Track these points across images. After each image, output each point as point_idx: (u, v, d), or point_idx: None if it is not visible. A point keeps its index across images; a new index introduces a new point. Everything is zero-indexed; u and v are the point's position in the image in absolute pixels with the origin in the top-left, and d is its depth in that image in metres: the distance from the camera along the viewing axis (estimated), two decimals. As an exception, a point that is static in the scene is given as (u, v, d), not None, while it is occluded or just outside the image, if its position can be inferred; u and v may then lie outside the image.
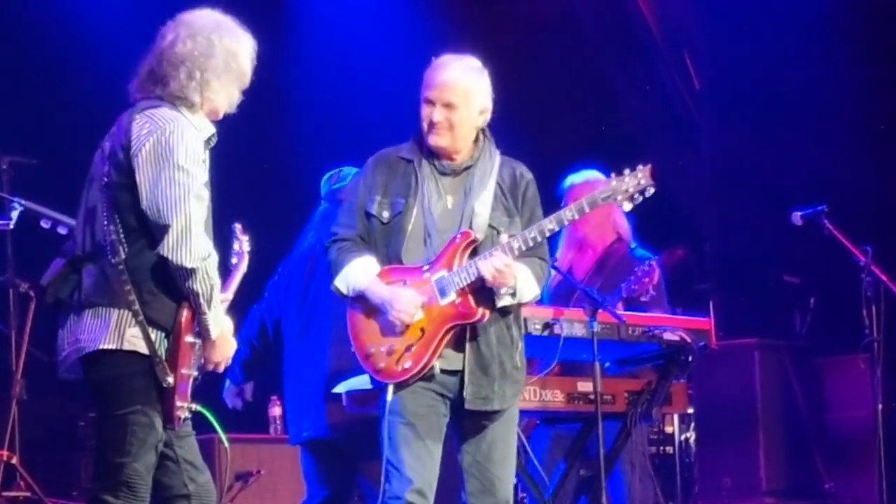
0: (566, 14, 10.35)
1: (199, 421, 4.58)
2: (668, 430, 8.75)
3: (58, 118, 8.80)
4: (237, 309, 4.85)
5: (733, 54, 9.84)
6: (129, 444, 4.36)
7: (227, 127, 4.61)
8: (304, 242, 6.41)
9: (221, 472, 6.19)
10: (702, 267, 9.92)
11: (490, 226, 5.10)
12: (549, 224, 5.07)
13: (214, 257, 4.41)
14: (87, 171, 4.60)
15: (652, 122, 10.62)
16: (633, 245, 6.83)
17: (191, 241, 4.32)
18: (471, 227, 5.07)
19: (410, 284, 5.07)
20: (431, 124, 5.12)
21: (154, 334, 4.38)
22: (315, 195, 6.48)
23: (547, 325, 5.89)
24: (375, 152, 5.30)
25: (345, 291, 5.14)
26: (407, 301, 5.03)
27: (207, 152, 4.48)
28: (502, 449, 5.15)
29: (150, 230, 4.36)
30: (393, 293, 5.05)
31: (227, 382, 6.50)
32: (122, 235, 4.38)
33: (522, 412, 5.51)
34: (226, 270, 4.62)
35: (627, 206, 5.04)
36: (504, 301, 5.05)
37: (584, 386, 6.12)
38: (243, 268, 4.79)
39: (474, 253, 5.06)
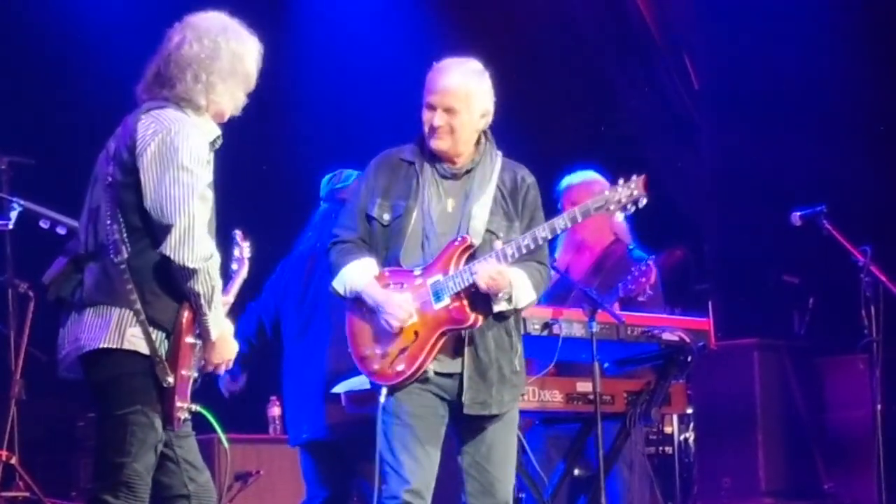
0: (566, 14, 10.34)
1: (198, 421, 4.58)
2: (668, 430, 8.74)
3: (57, 118, 8.80)
4: (237, 311, 4.85)
5: (732, 54, 9.83)
6: (128, 445, 4.36)
7: (227, 127, 4.61)
8: (304, 243, 6.41)
9: (221, 472, 6.18)
10: (701, 267, 9.91)
11: (488, 230, 5.10)
12: (542, 232, 5.08)
13: (216, 258, 4.41)
14: (86, 171, 4.60)
15: (651, 122, 10.61)
16: (630, 246, 6.84)
17: (193, 241, 4.32)
18: (468, 232, 5.08)
19: (407, 288, 5.07)
20: (433, 129, 5.13)
21: (155, 334, 4.38)
22: (315, 196, 6.48)
23: (546, 326, 5.89)
24: (375, 154, 5.30)
25: (342, 293, 5.15)
26: (398, 304, 5.04)
27: (212, 154, 4.49)
28: (502, 450, 5.15)
29: (153, 230, 4.36)
30: (386, 296, 5.06)
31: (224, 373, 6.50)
32: (125, 235, 4.38)
33: (521, 412, 5.51)
34: (226, 276, 4.61)
35: (620, 217, 5.10)
36: (500, 306, 5.06)
37: (584, 386, 6.12)
38: (244, 273, 4.80)
39: (472, 257, 5.07)
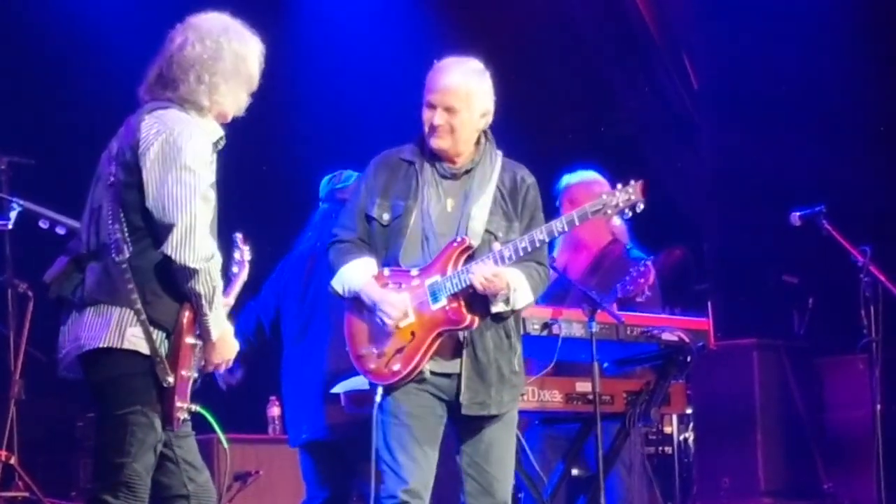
0: (565, 14, 10.34)
1: (198, 421, 4.58)
2: (667, 430, 8.74)
3: (56, 118, 8.80)
4: (236, 311, 4.85)
5: (732, 54, 9.83)
6: (128, 445, 4.36)
7: (227, 127, 4.61)
8: (304, 243, 6.41)
9: (220, 472, 6.18)
10: (700, 267, 9.91)
11: (487, 230, 5.10)
12: (540, 235, 5.08)
13: (218, 259, 4.42)
14: (86, 171, 4.61)
15: (651, 122, 10.61)
16: (628, 246, 6.84)
17: (195, 240, 4.32)
18: (467, 233, 5.08)
19: (405, 288, 5.08)
20: (433, 127, 5.13)
21: (155, 334, 4.38)
22: (315, 196, 6.48)
23: (545, 326, 5.90)
24: (375, 154, 5.30)
25: (341, 292, 5.16)
26: (392, 302, 5.04)
27: (215, 155, 4.50)
28: (500, 450, 5.15)
29: (155, 230, 4.37)
30: (382, 294, 5.07)
31: None
32: (126, 234, 4.38)
33: (521, 413, 5.52)
34: (227, 279, 4.61)
35: (617, 221, 5.11)
36: (498, 307, 5.06)
37: (583, 386, 6.13)
38: (244, 276, 4.81)
39: (471, 258, 5.07)
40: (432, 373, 5.07)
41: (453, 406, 5.08)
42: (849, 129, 9.33)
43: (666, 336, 6.17)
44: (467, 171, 5.18)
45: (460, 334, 5.06)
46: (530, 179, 5.24)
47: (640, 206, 5.13)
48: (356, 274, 5.11)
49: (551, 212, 5.24)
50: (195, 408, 4.50)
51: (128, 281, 4.36)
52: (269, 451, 8.12)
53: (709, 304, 6.61)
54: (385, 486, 5.05)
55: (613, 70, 10.58)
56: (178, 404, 4.42)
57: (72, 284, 4.46)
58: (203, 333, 4.46)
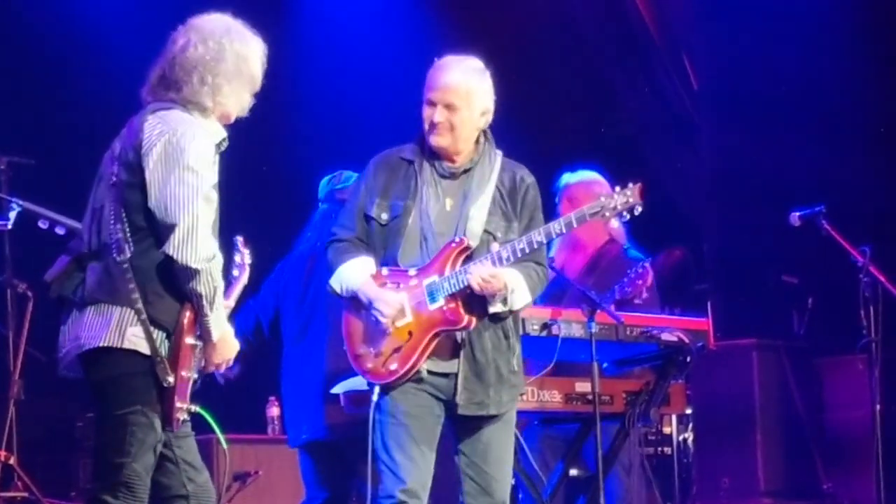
0: (566, 14, 10.34)
1: (197, 421, 4.58)
2: (666, 430, 8.73)
3: (56, 118, 8.80)
4: (235, 312, 4.86)
5: (732, 54, 9.82)
6: (128, 445, 4.36)
7: (228, 128, 4.61)
8: (304, 243, 6.41)
9: (220, 472, 6.19)
10: (700, 267, 9.90)
11: (486, 231, 5.11)
12: (538, 236, 5.08)
13: (219, 259, 4.42)
14: (85, 171, 4.61)
15: (651, 122, 10.61)
16: (626, 246, 6.84)
17: (196, 241, 4.33)
18: (465, 233, 5.08)
19: (403, 287, 5.08)
20: (433, 125, 5.13)
21: (156, 334, 4.39)
22: (315, 196, 6.48)
23: (545, 326, 5.90)
24: (375, 154, 5.30)
25: (339, 291, 5.17)
26: (387, 301, 5.05)
27: (217, 156, 4.50)
28: (499, 450, 5.15)
29: (157, 230, 4.37)
30: (377, 293, 5.07)
31: None
32: (128, 234, 4.39)
33: (520, 413, 5.52)
34: (227, 282, 4.62)
35: (615, 223, 5.11)
36: (496, 308, 5.06)
37: (583, 386, 6.13)
38: (244, 280, 4.82)
39: (469, 258, 5.07)
40: (430, 372, 5.07)
41: (451, 406, 5.08)
42: (849, 129, 9.32)
43: (665, 336, 6.17)
44: (466, 171, 5.18)
45: (458, 334, 5.06)
46: (530, 179, 5.24)
47: (638, 209, 5.14)
48: (354, 273, 5.12)
49: (551, 212, 5.24)
50: (195, 408, 4.50)
51: (129, 280, 4.37)
52: (268, 452, 8.12)
53: (708, 304, 6.62)
54: (383, 486, 5.05)
55: (614, 70, 10.58)
56: (178, 405, 4.42)
57: (73, 284, 4.46)
58: (204, 334, 4.47)
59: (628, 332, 6.12)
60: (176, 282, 4.38)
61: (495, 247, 5.06)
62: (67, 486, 8.25)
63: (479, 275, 4.98)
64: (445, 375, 5.08)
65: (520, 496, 6.23)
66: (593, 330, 5.88)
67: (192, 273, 4.34)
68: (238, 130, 4.69)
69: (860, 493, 8.19)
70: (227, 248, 4.66)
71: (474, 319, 5.04)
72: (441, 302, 5.05)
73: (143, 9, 8.47)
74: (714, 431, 8.82)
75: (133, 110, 4.54)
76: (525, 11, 10.22)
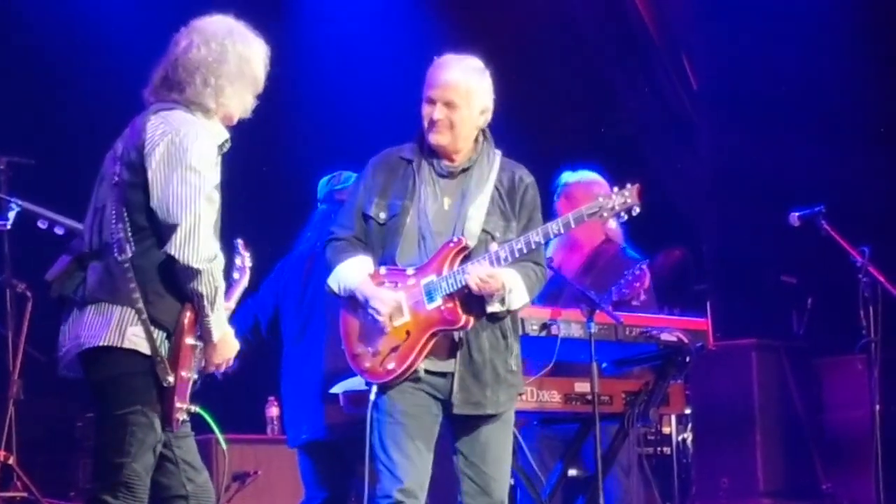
0: (566, 14, 10.34)
1: (197, 422, 4.59)
2: (666, 430, 8.73)
3: (56, 118, 8.80)
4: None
5: (732, 54, 9.82)
6: (128, 445, 4.36)
7: (228, 128, 4.62)
8: (303, 243, 6.41)
9: (219, 472, 6.20)
10: (699, 267, 9.90)
11: (484, 230, 5.11)
12: (536, 236, 5.08)
13: (220, 260, 4.43)
14: (85, 171, 4.62)
15: (650, 122, 10.61)
16: (623, 246, 6.84)
17: (198, 241, 4.33)
18: (463, 233, 5.08)
19: (401, 287, 5.08)
20: (432, 122, 5.14)
21: (156, 334, 4.39)
22: (315, 197, 6.48)
23: (544, 326, 5.90)
24: (375, 155, 5.31)
25: (337, 291, 5.17)
26: (383, 299, 5.05)
27: (220, 157, 4.50)
28: (497, 450, 5.15)
29: (158, 229, 4.38)
30: (374, 291, 5.07)
31: None
32: (129, 234, 4.39)
33: (519, 413, 5.52)
34: (228, 285, 4.62)
35: (613, 224, 5.11)
36: (493, 308, 5.07)
37: (582, 387, 6.13)
38: (244, 282, 4.82)
39: (468, 258, 5.07)
40: (427, 372, 5.07)
41: (448, 406, 5.08)
42: (849, 129, 9.32)
43: (665, 336, 6.17)
44: (465, 170, 5.18)
45: (455, 334, 5.06)
46: (529, 179, 5.25)
47: (636, 210, 5.14)
48: (352, 272, 5.12)
49: (551, 211, 5.24)
50: (194, 408, 4.50)
51: (129, 280, 4.37)
52: (267, 452, 8.12)
53: (708, 304, 6.61)
54: (380, 486, 5.05)
55: (614, 70, 10.58)
56: (178, 405, 4.42)
57: (73, 283, 4.47)
58: (204, 334, 4.47)
59: (627, 333, 6.13)
60: (177, 282, 4.39)
61: (493, 246, 5.07)
62: (67, 486, 8.25)
63: (476, 275, 4.99)
64: (443, 375, 5.08)
65: (518, 496, 6.23)
66: (592, 330, 5.88)
67: (193, 273, 4.35)
68: (238, 131, 4.69)
69: (859, 493, 8.19)
70: (228, 249, 4.66)
71: (472, 319, 5.04)
72: (439, 301, 5.05)
73: (144, 9, 8.47)
74: (713, 431, 8.82)
75: (133, 110, 4.55)
76: (525, 11, 10.22)
